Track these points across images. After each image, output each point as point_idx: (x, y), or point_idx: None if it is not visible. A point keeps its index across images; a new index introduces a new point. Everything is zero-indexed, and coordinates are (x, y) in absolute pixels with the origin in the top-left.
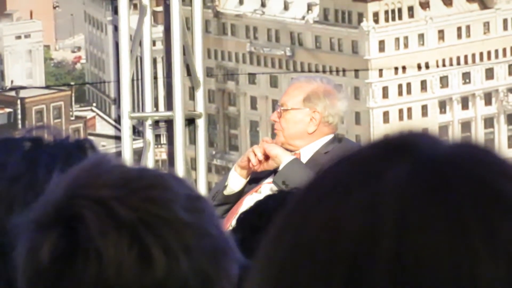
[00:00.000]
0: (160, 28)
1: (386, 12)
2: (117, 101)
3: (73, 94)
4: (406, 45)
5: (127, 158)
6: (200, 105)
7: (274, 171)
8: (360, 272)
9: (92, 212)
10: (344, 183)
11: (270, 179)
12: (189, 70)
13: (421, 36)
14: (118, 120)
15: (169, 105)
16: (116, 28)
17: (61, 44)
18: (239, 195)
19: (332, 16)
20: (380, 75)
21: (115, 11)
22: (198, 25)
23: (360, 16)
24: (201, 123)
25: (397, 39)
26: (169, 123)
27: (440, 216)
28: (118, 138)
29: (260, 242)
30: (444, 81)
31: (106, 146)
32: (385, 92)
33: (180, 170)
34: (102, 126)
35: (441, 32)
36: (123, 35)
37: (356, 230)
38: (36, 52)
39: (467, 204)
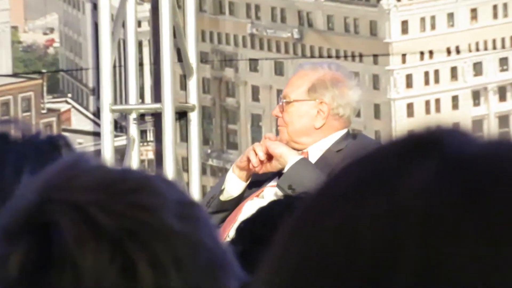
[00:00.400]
0: (147, 6)
1: None
2: (96, 91)
3: (44, 83)
4: (433, 26)
5: (108, 157)
6: (193, 96)
7: (278, 173)
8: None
9: (67, 218)
10: (360, 186)
11: (273, 183)
12: (180, 55)
13: (450, 16)
14: (97, 113)
15: (157, 96)
16: (95, 7)
17: (31, 25)
18: (238, 201)
19: None
20: (403, 61)
21: None
22: (190, 2)
23: None
24: (194, 117)
25: (423, 19)
26: (157, 116)
27: (473, 225)
28: (97, 135)
29: (263, 254)
30: (478, 68)
31: (83, 144)
32: (409, 81)
33: (169, 171)
34: (79, 121)
35: (474, 11)
36: (103, 15)
37: (375, 240)
38: (1, 34)
39: (503, 211)
